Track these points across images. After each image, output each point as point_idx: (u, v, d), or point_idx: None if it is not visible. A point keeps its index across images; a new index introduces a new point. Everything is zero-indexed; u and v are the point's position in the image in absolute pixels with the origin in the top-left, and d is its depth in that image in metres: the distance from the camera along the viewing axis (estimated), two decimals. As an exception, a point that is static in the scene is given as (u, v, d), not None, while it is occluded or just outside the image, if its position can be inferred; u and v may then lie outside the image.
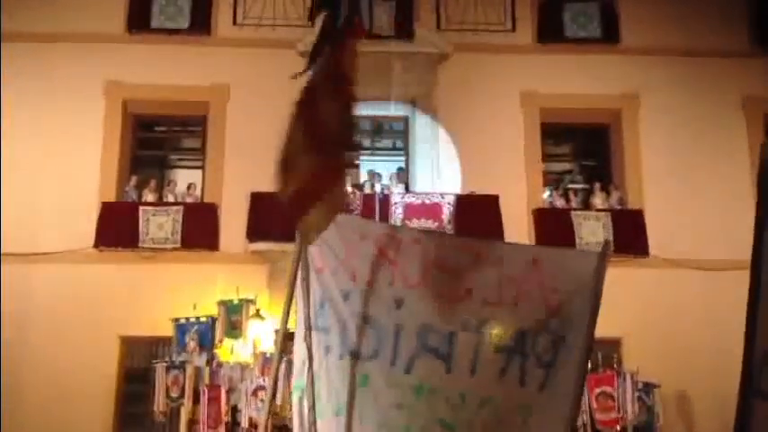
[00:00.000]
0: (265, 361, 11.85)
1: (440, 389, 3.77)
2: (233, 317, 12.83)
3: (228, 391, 11.93)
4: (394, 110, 16.08)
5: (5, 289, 13.76)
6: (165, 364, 12.51)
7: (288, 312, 3.78)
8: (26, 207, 14.46)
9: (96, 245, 14.45)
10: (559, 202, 15.75)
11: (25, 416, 13.31)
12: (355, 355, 3.91)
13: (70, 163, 14.87)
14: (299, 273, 3.95)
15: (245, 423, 11.64)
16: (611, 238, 14.42)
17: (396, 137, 17.10)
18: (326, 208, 3.46)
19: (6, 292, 13.80)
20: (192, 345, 12.74)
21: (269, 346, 12.69)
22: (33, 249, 14.17)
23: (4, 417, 13.09)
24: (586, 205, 15.62)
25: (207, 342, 12.89)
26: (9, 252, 14.01)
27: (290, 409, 11.39)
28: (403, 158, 16.54)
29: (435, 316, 3.88)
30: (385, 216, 14.42)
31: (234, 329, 12.74)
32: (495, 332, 3.85)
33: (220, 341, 12.78)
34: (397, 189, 15.39)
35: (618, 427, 12.06)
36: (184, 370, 12.30)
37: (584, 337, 3.81)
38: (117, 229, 14.56)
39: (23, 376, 13.60)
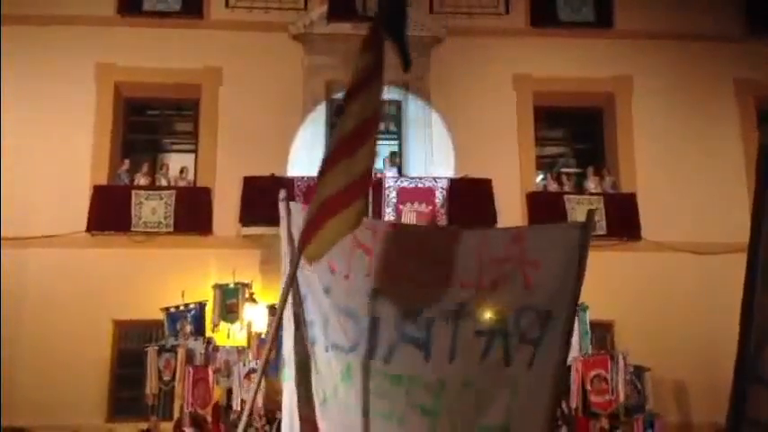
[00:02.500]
0: (261, 343, 11.89)
1: (419, 376, 3.82)
2: (229, 300, 12.83)
3: (216, 372, 11.97)
4: (387, 93, 15.99)
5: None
6: (156, 348, 12.53)
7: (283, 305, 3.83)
8: (18, 190, 14.37)
9: (89, 229, 14.42)
10: (552, 186, 15.78)
11: (20, 399, 13.30)
12: (339, 348, 3.96)
13: (62, 146, 14.78)
14: (285, 265, 4.02)
15: (237, 406, 11.68)
16: (603, 222, 14.49)
17: (388, 121, 17.03)
18: (338, 226, 3.46)
19: (-1, 276, 13.81)
20: (187, 329, 12.77)
21: (261, 328, 12.77)
22: (26, 233, 14.12)
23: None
24: (579, 189, 15.66)
25: (199, 327, 12.91)
26: (1, 236, 13.95)
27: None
28: (396, 142, 16.49)
29: (413, 303, 3.90)
30: (378, 200, 14.41)
31: (230, 313, 12.75)
32: (473, 317, 3.86)
33: (216, 325, 12.78)
34: (390, 173, 15.37)
35: (610, 410, 12.14)
36: (176, 353, 12.32)
37: (568, 309, 3.82)
38: (109, 212, 14.53)
39: (17, 359, 13.58)
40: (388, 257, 3.94)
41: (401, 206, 14.47)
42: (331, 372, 3.94)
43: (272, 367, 11.47)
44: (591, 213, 3.98)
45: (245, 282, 13.05)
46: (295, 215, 4.06)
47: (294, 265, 3.73)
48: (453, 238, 3.96)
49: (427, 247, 3.95)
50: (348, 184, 3.44)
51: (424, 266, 3.91)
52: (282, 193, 4.20)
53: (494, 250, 3.87)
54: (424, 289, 3.90)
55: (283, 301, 3.75)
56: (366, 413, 3.86)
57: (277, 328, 3.94)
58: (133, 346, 14.08)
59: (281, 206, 4.15)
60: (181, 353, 12.16)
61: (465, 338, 3.85)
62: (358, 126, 3.49)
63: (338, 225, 3.45)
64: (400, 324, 3.87)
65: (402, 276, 3.94)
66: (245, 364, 11.84)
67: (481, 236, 3.97)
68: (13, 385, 13.41)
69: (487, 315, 3.86)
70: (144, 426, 12.23)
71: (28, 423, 12.92)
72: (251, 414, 11.14)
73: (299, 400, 4.02)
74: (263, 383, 11.25)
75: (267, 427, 11.49)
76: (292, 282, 3.88)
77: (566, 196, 15.22)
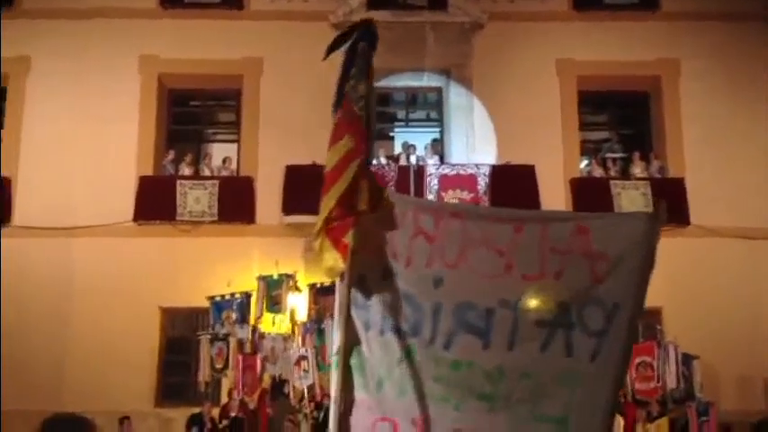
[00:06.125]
0: (306, 331, 11.94)
1: (477, 364, 3.78)
2: (273, 292, 12.88)
3: (265, 360, 12.06)
4: (428, 81, 15.96)
5: (48, 262, 14.07)
6: (209, 337, 12.68)
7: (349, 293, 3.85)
8: (66, 182, 14.68)
9: (135, 218, 14.66)
10: (597, 172, 15.55)
11: (70, 385, 13.62)
12: (397, 332, 3.94)
13: (108, 138, 15.01)
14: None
15: (291, 393, 11.79)
16: (650, 207, 14.22)
17: (430, 108, 16.98)
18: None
19: (49, 266, 14.11)
20: (232, 317, 12.90)
21: (304, 316, 12.84)
22: (74, 223, 14.40)
23: (49, 387, 13.45)
24: (625, 174, 15.41)
25: (245, 316, 13.03)
26: (51, 226, 14.28)
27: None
28: (437, 129, 16.43)
29: (473, 293, 3.87)
30: (420, 188, 14.37)
31: (275, 305, 12.80)
32: (535, 307, 3.81)
33: (260, 317, 12.88)
34: (432, 160, 15.31)
35: (657, 397, 11.96)
36: (228, 342, 12.47)
37: (634, 303, 3.76)
38: (155, 202, 14.74)
39: (67, 348, 13.89)
40: (450, 248, 3.92)
41: (443, 193, 14.41)
42: (387, 355, 3.92)
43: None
44: (662, 203, 3.87)
45: (289, 273, 13.10)
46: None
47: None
48: (516, 228, 3.90)
49: (490, 237, 3.90)
50: (334, 164, 3.78)
51: (486, 257, 3.88)
52: None
53: (557, 242, 3.83)
54: (485, 279, 3.87)
55: (347, 286, 3.77)
56: (423, 396, 3.85)
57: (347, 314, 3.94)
58: (179, 334, 14.29)
59: None
60: (233, 341, 12.30)
61: (525, 329, 3.81)
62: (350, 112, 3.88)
63: (326, 202, 3.74)
64: (460, 312, 3.85)
65: (463, 266, 3.91)
66: (293, 351, 11.90)
67: (542, 227, 3.90)
68: (63, 372, 13.75)
69: (550, 306, 3.81)
70: (191, 411, 12.39)
71: (78, 409, 13.19)
72: (302, 400, 11.30)
73: (349, 386, 4.00)
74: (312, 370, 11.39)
75: (316, 413, 11.58)
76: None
77: (611, 182, 14.99)
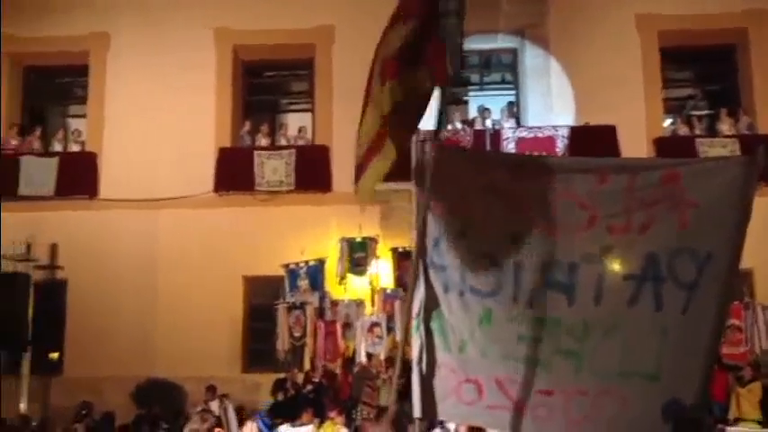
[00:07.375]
0: (386, 297, 11.98)
1: (562, 320, 3.71)
2: (356, 254, 13.00)
3: (345, 327, 12.18)
4: (501, 42, 15.62)
5: (135, 234, 14.52)
6: (286, 305, 12.88)
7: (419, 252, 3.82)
8: (149, 155, 15.05)
9: (216, 189, 14.94)
10: (683, 130, 14.98)
11: (159, 352, 14.08)
12: (477, 292, 3.88)
13: (187, 111, 15.27)
14: (415, 213, 3.95)
15: (363, 358, 11.89)
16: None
17: (505, 70, 16.65)
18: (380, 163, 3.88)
19: (135, 237, 14.57)
20: (303, 285, 13.08)
21: (386, 283, 12.89)
22: (158, 195, 14.79)
23: (141, 354, 13.96)
24: (712, 132, 14.79)
25: (317, 283, 13.22)
26: (135, 198, 14.72)
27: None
28: (513, 92, 16.11)
29: (556, 248, 3.78)
30: (496, 152, 14.16)
31: (358, 266, 12.92)
32: (621, 260, 3.72)
33: (343, 278, 12.98)
34: (508, 123, 15.04)
35: (749, 361, 11.53)
36: (305, 310, 12.64)
37: (730, 253, 3.60)
38: (234, 173, 14.98)
39: (156, 316, 14.36)
40: (527, 202, 3.83)
41: (520, 157, 14.15)
42: (468, 316, 3.89)
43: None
44: (759, 148, 3.68)
45: (372, 236, 13.17)
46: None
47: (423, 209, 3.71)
48: (600, 179, 3.77)
49: (571, 189, 3.78)
50: (381, 124, 3.92)
51: (568, 210, 3.77)
52: (420, 135, 4.11)
53: (643, 192, 3.70)
54: (568, 233, 3.77)
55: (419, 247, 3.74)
56: (507, 356, 3.80)
57: (415, 278, 3.91)
58: (262, 301, 14.56)
59: (416, 148, 4.06)
60: (310, 309, 12.46)
61: (612, 282, 3.72)
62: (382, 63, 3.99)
63: (380, 162, 3.86)
64: (544, 269, 3.78)
65: (542, 220, 3.82)
66: (366, 318, 11.96)
67: (629, 177, 3.76)
68: (154, 340, 14.23)
69: (637, 259, 3.70)
70: (277, 376, 12.64)
71: (169, 374, 13.64)
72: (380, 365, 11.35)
73: (432, 348, 3.97)
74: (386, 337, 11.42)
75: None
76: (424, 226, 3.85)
77: (697, 140, 14.42)
